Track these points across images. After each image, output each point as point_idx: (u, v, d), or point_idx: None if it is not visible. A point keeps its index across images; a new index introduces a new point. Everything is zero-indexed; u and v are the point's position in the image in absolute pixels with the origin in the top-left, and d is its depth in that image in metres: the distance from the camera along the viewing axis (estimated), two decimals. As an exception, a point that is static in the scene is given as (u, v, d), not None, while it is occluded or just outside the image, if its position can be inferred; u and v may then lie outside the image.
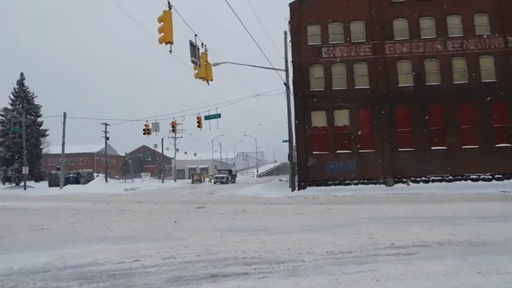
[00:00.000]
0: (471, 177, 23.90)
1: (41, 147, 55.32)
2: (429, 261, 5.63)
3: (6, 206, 19.01)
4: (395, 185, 24.01)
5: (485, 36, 24.81)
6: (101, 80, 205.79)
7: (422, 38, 25.35)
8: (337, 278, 4.93)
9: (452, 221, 9.58)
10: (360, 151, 25.01)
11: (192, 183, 56.95)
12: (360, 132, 25.27)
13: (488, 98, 24.24)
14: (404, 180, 24.33)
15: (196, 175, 63.84)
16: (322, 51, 26.05)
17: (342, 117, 25.64)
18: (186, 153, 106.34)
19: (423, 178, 24.28)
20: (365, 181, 24.74)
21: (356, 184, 24.71)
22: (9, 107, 50.61)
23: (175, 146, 62.25)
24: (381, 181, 24.52)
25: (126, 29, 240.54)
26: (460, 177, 23.95)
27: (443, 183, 23.75)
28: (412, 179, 24.34)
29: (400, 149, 24.67)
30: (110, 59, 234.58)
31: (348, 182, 24.89)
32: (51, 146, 61.64)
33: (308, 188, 24.81)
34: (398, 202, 15.97)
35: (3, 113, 48.51)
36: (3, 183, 50.98)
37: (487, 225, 8.84)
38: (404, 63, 25.46)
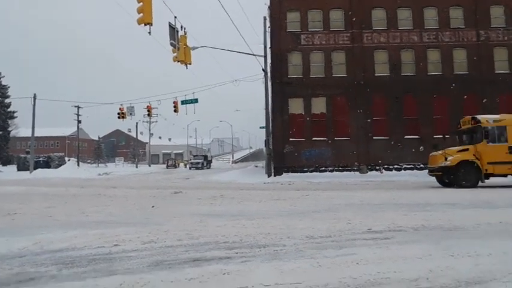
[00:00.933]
0: (441, 165, 24.78)
1: (9, 129, 53.22)
2: (405, 245, 5.84)
3: (-28, 190, 18.21)
4: (369, 173, 24.70)
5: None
6: (79, 62, 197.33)
7: (399, 28, 25.88)
8: (318, 262, 5.04)
9: (425, 207, 9.95)
10: (336, 138, 25.49)
11: (167, 168, 56.44)
12: (336, 120, 25.67)
13: (459, 90, 25.08)
14: (377, 167, 25.03)
15: (171, 160, 63.27)
16: (301, 38, 26.11)
17: (319, 105, 25.97)
18: (160, 138, 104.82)
19: (396, 166, 25.07)
20: (340, 168, 25.30)
21: (331, 171, 25.23)
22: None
23: (149, 130, 61.26)
24: (355, 168, 25.14)
25: (109, 7, 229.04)
26: (431, 165, 24.82)
27: (415, 171, 24.59)
28: (385, 166, 25.08)
29: (374, 137, 25.32)
30: (91, 38, 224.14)
31: (323, 169, 25.37)
32: (20, 129, 59.23)
33: (284, 174, 25.13)
34: (372, 189, 16.40)
35: (-34, 92, 46.10)
36: (-32, 167, 48.74)
37: (457, 211, 9.24)
38: (381, 53, 25.97)
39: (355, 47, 25.66)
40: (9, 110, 51.94)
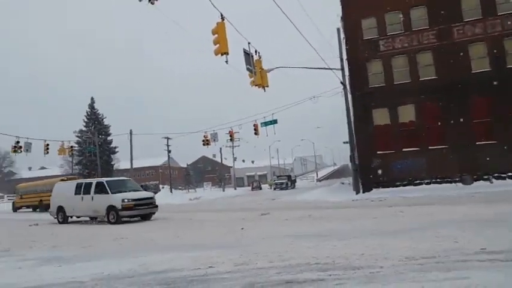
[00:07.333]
0: None
1: (112, 163, 59.48)
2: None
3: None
4: (475, 183, 21.78)
5: None
6: (160, 94, 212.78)
7: (498, 14, 22.45)
8: (423, 285, 4.51)
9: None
10: (430, 147, 23.22)
11: (252, 190, 57.42)
12: (428, 128, 23.56)
13: None
14: (485, 177, 22.01)
15: (256, 182, 64.35)
16: (379, 45, 24.77)
17: (407, 113, 24.12)
18: (243, 161, 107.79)
19: (510, 174, 21.76)
20: (438, 180, 22.89)
21: (428, 184, 22.99)
22: (84, 128, 55.56)
23: (233, 154, 63.30)
24: (457, 179, 22.53)
25: (178, 38, 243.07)
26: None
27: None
28: (496, 175, 21.89)
29: (478, 143, 22.36)
30: (168, 72, 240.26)
31: (418, 182, 23.26)
32: (121, 162, 65.85)
33: (374, 190, 23.67)
34: (479, 202, 14.60)
35: (79, 134, 53.42)
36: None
37: None
38: (477, 46, 22.96)
39: (443, 44, 23.34)
40: (111, 146, 58.37)
